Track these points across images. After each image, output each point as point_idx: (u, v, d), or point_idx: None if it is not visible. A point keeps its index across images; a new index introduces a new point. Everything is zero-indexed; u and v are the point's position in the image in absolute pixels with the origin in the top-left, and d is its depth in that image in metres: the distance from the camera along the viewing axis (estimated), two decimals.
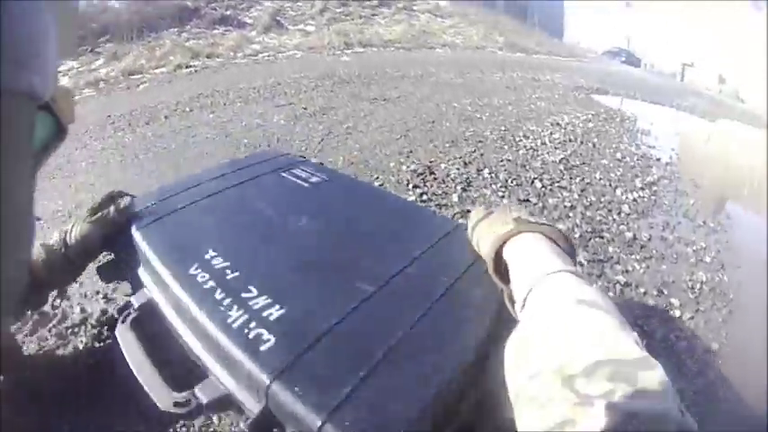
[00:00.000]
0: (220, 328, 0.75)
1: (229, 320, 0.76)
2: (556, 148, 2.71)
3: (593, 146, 2.95)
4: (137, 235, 0.99)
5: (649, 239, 1.90)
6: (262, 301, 0.80)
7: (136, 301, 0.94)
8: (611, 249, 1.74)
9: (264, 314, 0.77)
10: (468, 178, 1.99)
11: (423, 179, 1.91)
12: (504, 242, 0.81)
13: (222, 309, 0.79)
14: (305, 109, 3.23)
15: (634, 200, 2.25)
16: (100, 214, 1.05)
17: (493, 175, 2.09)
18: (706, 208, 2.42)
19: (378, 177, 1.90)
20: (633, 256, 1.74)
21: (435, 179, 1.92)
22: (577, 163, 2.53)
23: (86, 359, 1.14)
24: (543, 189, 2.06)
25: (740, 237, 2.22)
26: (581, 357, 0.54)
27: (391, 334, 0.75)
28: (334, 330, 0.75)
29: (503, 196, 1.88)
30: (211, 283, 0.85)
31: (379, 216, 1.13)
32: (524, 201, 1.91)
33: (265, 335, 0.73)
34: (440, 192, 1.82)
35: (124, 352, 0.86)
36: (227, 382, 0.73)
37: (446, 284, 0.87)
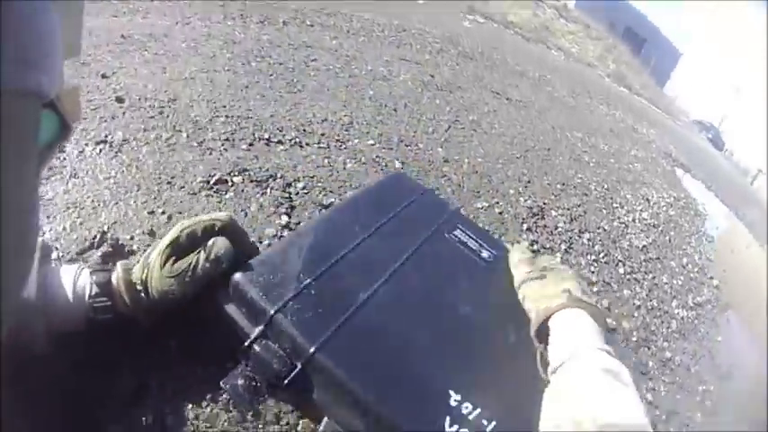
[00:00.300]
0: None
1: None
2: (641, 230, 2.85)
3: (669, 240, 3.08)
4: (323, 359, 0.76)
5: (679, 365, 2.09)
6: None
7: None
8: (650, 364, 1.92)
9: None
10: (571, 238, 2.14)
11: (535, 222, 2.05)
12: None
13: None
14: (432, 77, 3.26)
15: (682, 318, 2.41)
16: (184, 267, 0.82)
17: (590, 243, 2.24)
18: (728, 351, 2.62)
19: (498, 203, 2.02)
20: (663, 378, 1.92)
21: (546, 228, 2.06)
22: (654, 256, 2.68)
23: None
24: (624, 276, 2.23)
25: (742, 388, 2.44)
26: (597, 418, 0.65)
27: None
28: None
29: (593, 272, 2.05)
30: None
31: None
32: (607, 284, 2.07)
33: None
34: (547, 245, 1.96)
35: None
36: None
37: None
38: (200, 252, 0.83)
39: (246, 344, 0.79)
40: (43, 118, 0.33)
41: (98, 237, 1.07)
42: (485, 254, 1.12)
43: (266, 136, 1.67)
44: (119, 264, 0.84)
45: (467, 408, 0.79)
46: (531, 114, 3.57)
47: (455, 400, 0.79)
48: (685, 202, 4.21)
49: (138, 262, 0.85)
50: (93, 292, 0.79)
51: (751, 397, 2.57)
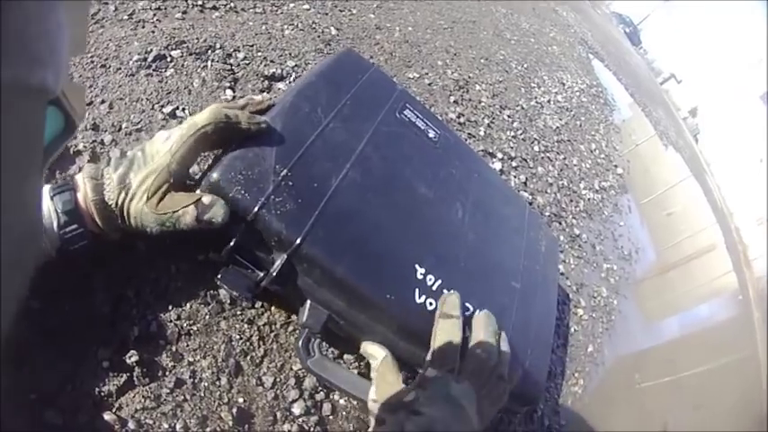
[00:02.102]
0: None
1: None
2: (555, 113, 2.98)
3: (580, 125, 3.25)
4: (308, 248, 0.80)
5: (585, 242, 2.30)
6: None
7: (315, 323, 0.85)
8: (561, 238, 2.10)
9: None
10: (493, 113, 2.22)
11: (461, 96, 2.10)
12: None
13: None
14: None
15: (589, 199, 2.62)
16: (168, 215, 0.74)
17: (510, 119, 2.33)
18: (628, 236, 2.88)
19: (428, 74, 2.04)
20: (572, 252, 2.12)
21: (470, 101, 2.12)
22: (565, 138, 2.84)
23: None
24: (538, 154, 2.36)
25: (639, 270, 2.74)
26: None
27: (537, 322, 1.12)
28: (515, 324, 1.04)
29: (512, 147, 2.15)
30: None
31: (491, 197, 1.23)
32: (524, 160, 2.18)
33: None
34: (472, 119, 2.02)
35: (332, 382, 0.88)
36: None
37: (549, 276, 1.26)
38: (189, 206, 0.74)
39: (232, 244, 0.79)
40: (47, 115, 0.33)
41: None
42: (431, 133, 1.15)
43: (200, 2, 1.58)
44: (85, 179, 0.74)
45: (431, 279, 0.91)
46: None
47: (421, 274, 0.90)
48: (597, 91, 4.39)
49: (108, 177, 0.75)
50: (62, 221, 0.71)
51: (647, 282, 2.88)
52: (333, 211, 0.84)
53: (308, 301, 0.85)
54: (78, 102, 0.38)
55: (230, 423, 0.87)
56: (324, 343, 0.98)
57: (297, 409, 0.95)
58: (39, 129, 0.31)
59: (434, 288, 0.90)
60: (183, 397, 0.84)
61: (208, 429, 0.83)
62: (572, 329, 1.80)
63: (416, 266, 0.90)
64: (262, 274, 0.82)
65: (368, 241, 0.87)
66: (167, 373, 0.84)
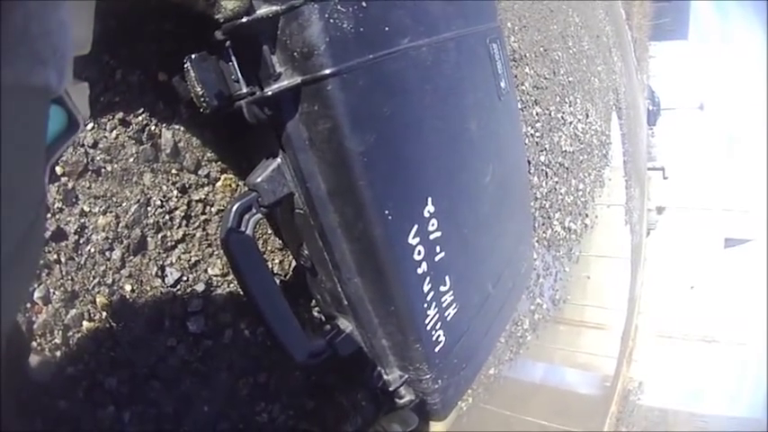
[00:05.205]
0: (415, 325, 0.74)
1: (427, 320, 0.75)
2: (570, 137, 2.87)
3: (581, 162, 3.18)
4: (332, 86, 0.58)
5: (534, 269, 2.22)
6: (449, 298, 0.80)
7: (270, 192, 0.64)
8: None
9: (446, 314, 0.80)
10: (527, 101, 2.09)
11: (515, 65, 1.96)
12: None
13: (425, 306, 0.75)
14: None
15: (556, 232, 2.58)
16: None
17: (537, 117, 2.22)
18: (563, 284, 2.83)
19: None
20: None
21: (515, 78, 1.97)
22: (566, 164, 2.75)
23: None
24: (540, 164, 2.26)
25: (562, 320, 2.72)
26: None
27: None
28: (469, 331, 0.89)
29: (526, 144, 2.02)
30: (424, 267, 0.73)
31: (513, 186, 1.10)
32: (528, 163, 2.05)
33: (441, 336, 0.79)
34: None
35: (245, 277, 0.64)
36: (381, 350, 0.77)
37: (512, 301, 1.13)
38: None
39: (244, 20, 0.56)
40: (51, 113, 0.33)
41: None
42: (503, 83, 0.99)
43: None
44: None
45: (433, 225, 0.74)
46: None
47: (428, 212, 0.73)
48: (605, 140, 4.36)
49: None
50: None
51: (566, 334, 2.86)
52: (386, 72, 0.64)
53: (279, 159, 0.64)
54: (82, 101, 0.39)
55: (102, 313, 0.65)
56: (261, 225, 0.80)
57: (193, 324, 0.75)
58: (40, 127, 0.31)
59: (431, 237, 0.73)
60: (56, 256, 0.62)
61: (71, 311, 0.62)
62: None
63: (429, 200, 0.72)
64: (247, 89, 0.60)
65: (403, 135, 0.68)
66: (47, 213, 0.61)
